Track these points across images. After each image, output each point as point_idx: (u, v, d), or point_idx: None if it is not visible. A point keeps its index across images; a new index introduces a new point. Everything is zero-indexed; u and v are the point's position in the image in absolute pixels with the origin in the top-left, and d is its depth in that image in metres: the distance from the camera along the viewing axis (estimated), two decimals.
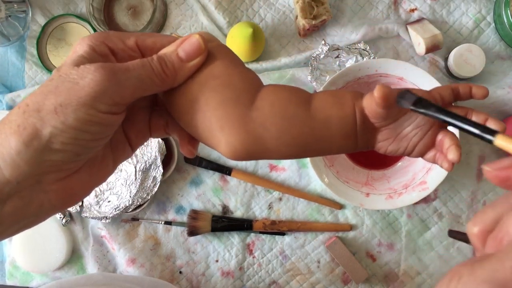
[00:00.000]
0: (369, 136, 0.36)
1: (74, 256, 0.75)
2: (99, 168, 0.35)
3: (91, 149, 0.32)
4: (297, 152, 0.35)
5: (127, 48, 0.34)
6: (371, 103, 0.34)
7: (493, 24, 0.71)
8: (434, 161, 0.36)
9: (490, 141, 0.29)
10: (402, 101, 0.33)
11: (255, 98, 0.34)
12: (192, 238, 0.74)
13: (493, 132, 0.29)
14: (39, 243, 0.72)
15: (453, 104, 0.36)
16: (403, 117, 0.35)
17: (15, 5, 0.72)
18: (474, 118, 0.34)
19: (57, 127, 0.30)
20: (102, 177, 0.36)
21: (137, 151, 0.70)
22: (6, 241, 0.75)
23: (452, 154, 0.33)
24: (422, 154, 0.36)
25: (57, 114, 0.30)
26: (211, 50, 0.35)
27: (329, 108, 0.35)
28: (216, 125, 0.34)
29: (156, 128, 0.38)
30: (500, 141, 0.28)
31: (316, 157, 0.67)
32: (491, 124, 0.33)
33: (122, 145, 0.37)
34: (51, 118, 0.30)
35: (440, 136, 0.35)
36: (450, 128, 0.35)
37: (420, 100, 0.32)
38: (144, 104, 0.37)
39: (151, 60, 0.33)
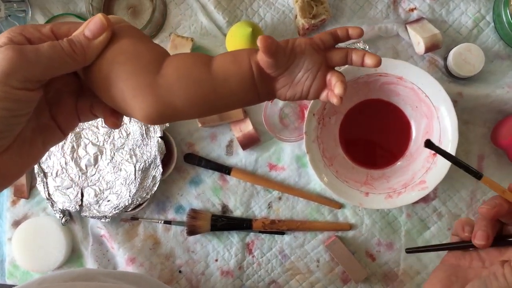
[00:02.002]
0: (268, 86, 0.39)
1: (73, 255, 0.75)
2: (28, 149, 0.38)
3: (13, 126, 0.35)
4: (205, 110, 0.39)
5: (43, 36, 0.37)
6: (261, 54, 0.37)
7: (493, 24, 0.71)
8: (327, 99, 0.40)
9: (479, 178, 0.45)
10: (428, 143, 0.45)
11: (161, 65, 0.38)
12: (191, 238, 0.74)
13: (479, 175, 0.44)
14: (39, 243, 0.72)
15: (335, 46, 0.40)
16: (293, 64, 0.39)
17: (15, 5, 0.72)
18: (354, 56, 0.39)
19: None
20: (33, 159, 0.39)
21: (137, 151, 0.70)
22: (6, 240, 0.75)
23: (337, 89, 0.38)
24: (317, 96, 0.40)
25: None
26: (119, 30, 0.38)
27: (228, 67, 0.38)
28: (128, 94, 0.37)
29: (83, 111, 0.41)
30: (484, 183, 0.45)
31: (316, 156, 0.67)
32: (368, 59, 0.38)
33: (52, 129, 0.40)
34: None
35: (328, 76, 0.39)
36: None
37: (429, 143, 0.45)
38: (70, 89, 0.40)
39: (61, 41, 0.36)
